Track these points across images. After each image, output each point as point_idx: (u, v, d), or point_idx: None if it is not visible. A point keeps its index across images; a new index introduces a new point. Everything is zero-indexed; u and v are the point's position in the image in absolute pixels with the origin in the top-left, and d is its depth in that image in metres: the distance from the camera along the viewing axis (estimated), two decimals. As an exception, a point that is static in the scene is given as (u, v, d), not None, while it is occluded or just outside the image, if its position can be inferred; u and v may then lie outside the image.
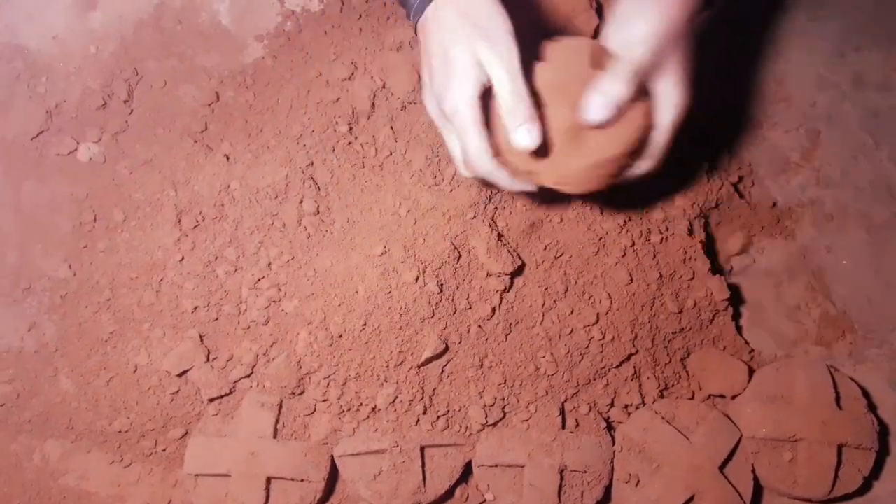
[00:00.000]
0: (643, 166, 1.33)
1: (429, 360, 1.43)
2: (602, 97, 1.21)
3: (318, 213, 1.47)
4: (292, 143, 1.53)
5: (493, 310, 1.44)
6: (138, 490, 1.49)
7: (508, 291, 1.45)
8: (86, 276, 1.53)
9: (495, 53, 1.18)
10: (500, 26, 1.20)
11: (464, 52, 1.20)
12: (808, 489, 1.46)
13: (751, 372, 1.56)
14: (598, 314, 1.47)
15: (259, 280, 1.46)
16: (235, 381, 1.45)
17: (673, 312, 1.52)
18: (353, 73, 1.55)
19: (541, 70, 1.26)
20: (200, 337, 1.47)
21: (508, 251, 1.43)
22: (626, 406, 1.50)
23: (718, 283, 1.55)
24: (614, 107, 1.21)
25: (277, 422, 1.43)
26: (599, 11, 1.70)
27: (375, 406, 1.43)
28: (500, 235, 1.44)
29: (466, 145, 1.24)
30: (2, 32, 1.66)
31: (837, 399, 1.50)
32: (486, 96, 1.22)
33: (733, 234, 1.70)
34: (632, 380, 1.50)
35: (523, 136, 1.19)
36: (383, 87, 1.52)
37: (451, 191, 1.44)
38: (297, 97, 1.58)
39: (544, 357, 1.45)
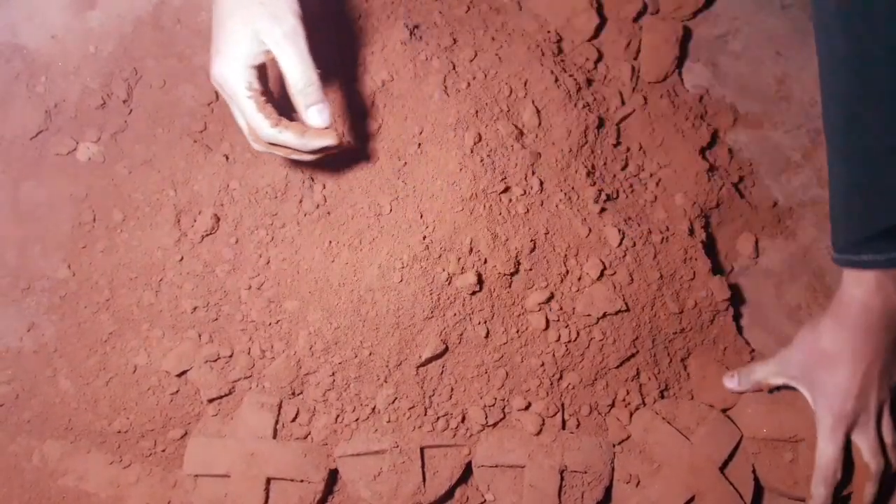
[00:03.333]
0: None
1: (429, 361, 1.43)
2: None
3: (318, 212, 1.47)
4: (292, 142, 1.53)
5: (493, 309, 1.44)
6: (137, 490, 1.48)
7: (508, 290, 1.45)
8: (85, 276, 1.52)
9: (281, 33, 1.22)
10: (286, 6, 1.23)
11: (241, 26, 1.23)
12: (809, 489, 1.45)
13: None
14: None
15: (259, 280, 1.46)
16: (235, 382, 1.45)
17: (673, 313, 1.52)
18: (353, 73, 1.55)
19: None
20: (200, 337, 1.46)
21: (508, 250, 1.43)
22: (627, 406, 1.49)
23: (719, 283, 1.54)
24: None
25: (277, 422, 1.43)
26: (600, 11, 1.70)
27: (375, 406, 1.43)
28: (498, 235, 1.44)
29: (244, 113, 1.26)
30: (0, 32, 1.66)
31: (838, 399, 1.50)
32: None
33: (742, 234, 1.70)
34: (632, 380, 1.50)
35: (314, 116, 1.25)
36: (382, 85, 1.52)
37: (452, 190, 1.44)
38: (297, 97, 1.58)
39: (544, 357, 1.45)
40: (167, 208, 1.52)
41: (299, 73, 1.22)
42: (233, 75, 1.24)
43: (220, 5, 1.26)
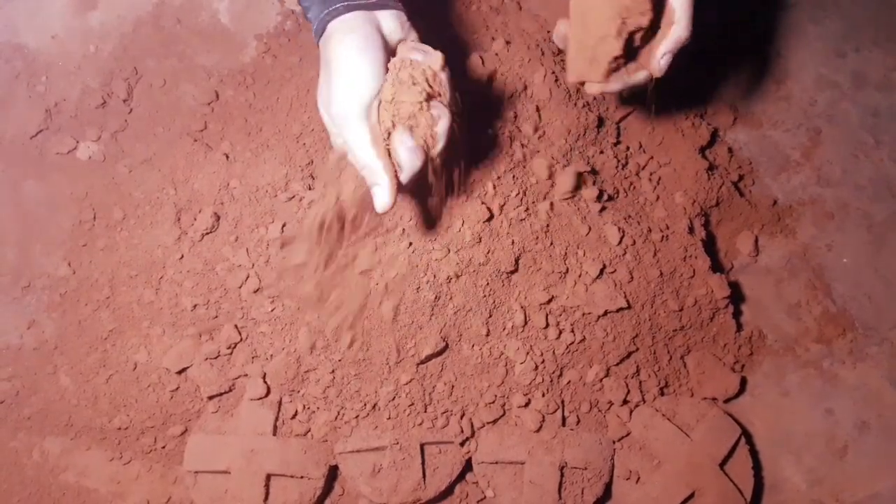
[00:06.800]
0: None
1: (429, 358, 1.43)
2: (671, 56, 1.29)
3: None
4: (292, 141, 1.53)
5: (494, 307, 1.44)
6: (138, 487, 1.48)
7: (509, 288, 1.45)
8: (85, 274, 1.53)
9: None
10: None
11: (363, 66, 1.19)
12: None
13: (743, 380, 1.59)
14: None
15: (259, 278, 1.46)
16: (235, 379, 1.45)
17: (673, 310, 1.52)
18: (352, 71, 1.55)
19: None
20: (200, 335, 1.46)
21: (508, 248, 1.43)
22: (627, 403, 1.49)
23: (719, 280, 1.54)
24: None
25: (277, 419, 1.43)
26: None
27: (375, 403, 1.42)
28: (499, 234, 1.44)
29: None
30: (1, 31, 1.67)
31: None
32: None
33: (741, 233, 1.70)
34: (632, 377, 1.50)
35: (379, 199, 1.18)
36: (382, 84, 1.52)
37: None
38: (297, 96, 1.58)
39: (545, 355, 1.45)
40: (167, 207, 1.52)
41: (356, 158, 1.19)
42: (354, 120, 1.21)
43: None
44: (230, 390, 1.46)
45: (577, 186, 1.49)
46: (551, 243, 1.47)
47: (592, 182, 1.53)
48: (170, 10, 1.71)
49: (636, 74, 1.31)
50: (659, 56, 1.28)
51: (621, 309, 1.48)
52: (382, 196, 1.17)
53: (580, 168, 1.49)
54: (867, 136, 1.80)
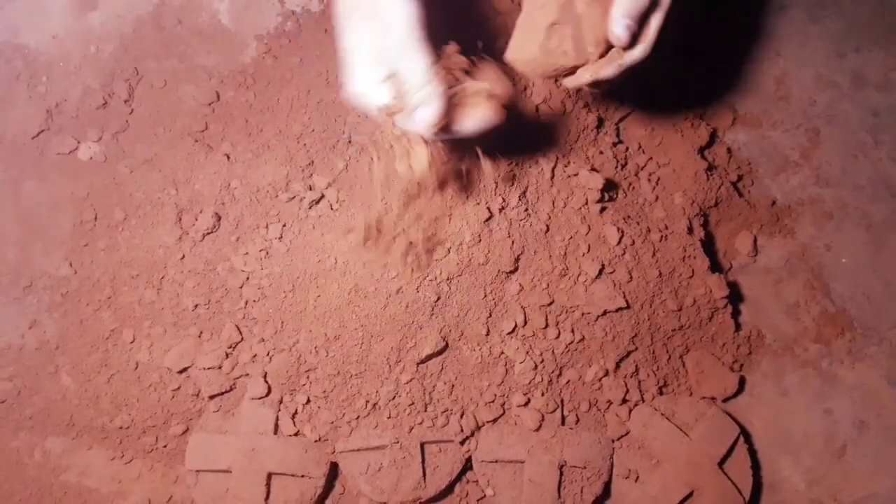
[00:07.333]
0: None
1: (429, 357, 1.43)
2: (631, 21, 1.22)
3: (319, 210, 1.47)
4: (293, 142, 1.54)
5: (493, 307, 1.44)
6: (139, 486, 1.49)
7: (508, 288, 1.45)
8: (87, 274, 1.53)
9: (390, 52, 1.19)
10: (398, 11, 1.19)
11: (358, 54, 1.21)
12: None
13: (742, 380, 1.59)
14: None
15: (260, 278, 1.46)
16: (236, 378, 1.45)
17: (672, 310, 1.52)
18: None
19: None
20: (201, 334, 1.47)
21: (508, 247, 1.43)
22: (626, 402, 1.49)
23: (718, 280, 1.55)
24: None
25: (278, 418, 1.43)
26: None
27: (376, 403, 1.43)
28: (499, 234, 1.44)
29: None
30: (2, 31, 1.67)
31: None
32: None
33: (740, 233, 1.71)
34: (631, 377, 1.51)
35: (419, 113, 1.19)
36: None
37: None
38: (298, 97, 1.58)
39: (544, 354, 1.45)
40: (168, 207, 1.52)
41: (412, 81, 1.18)
42: (366, 98, 1.22)
43: (339, 24, 1.25)
44: (231, 389, 1.46)
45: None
46: (551, 243, 1.47)
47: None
48: (170, 10, 1.71)
49: (609, 65, 1.28)
50: (614, 19, 1.22)
51: (620, 309, 1.48)
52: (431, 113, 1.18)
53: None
54: (866, 136, 1.80)
